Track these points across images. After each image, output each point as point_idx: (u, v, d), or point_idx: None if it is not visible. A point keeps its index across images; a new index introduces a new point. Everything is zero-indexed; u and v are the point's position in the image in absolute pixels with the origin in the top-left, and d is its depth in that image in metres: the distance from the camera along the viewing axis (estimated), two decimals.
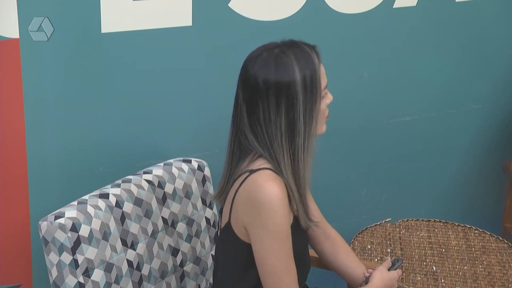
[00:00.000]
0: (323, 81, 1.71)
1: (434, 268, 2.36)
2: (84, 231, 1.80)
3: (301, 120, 1.67)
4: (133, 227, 1.93)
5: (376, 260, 2.39)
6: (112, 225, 1.88)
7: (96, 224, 1.83)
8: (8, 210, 2.04)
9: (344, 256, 1.98)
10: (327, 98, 1.75)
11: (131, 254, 1.91)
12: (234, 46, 2.24)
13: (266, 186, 1.66)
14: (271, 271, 1.68)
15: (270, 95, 1.66)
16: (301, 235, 1.81)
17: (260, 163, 1.71)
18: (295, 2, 2.36)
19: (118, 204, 1.91)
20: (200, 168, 2.15)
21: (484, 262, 2.40)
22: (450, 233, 2.57)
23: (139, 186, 1.98)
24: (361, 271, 1.94)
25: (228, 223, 1.75)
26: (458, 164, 3.04)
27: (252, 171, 1.70)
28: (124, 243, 1.90)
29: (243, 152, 1.74)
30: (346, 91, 2.58)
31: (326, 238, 1.99)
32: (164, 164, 2.10)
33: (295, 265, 1.72)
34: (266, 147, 1.70)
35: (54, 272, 1.78)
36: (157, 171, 2.06)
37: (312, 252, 2.03)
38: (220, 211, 1.82)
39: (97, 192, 1.91)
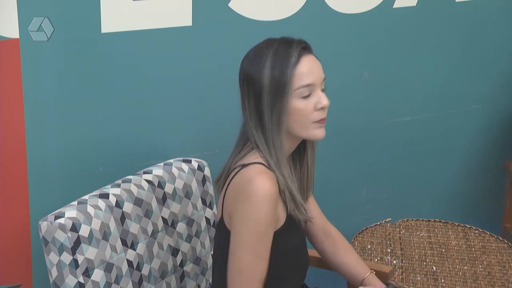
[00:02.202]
0: (299, 81, 1.68)
1: (434, 268, 2.36)
2: (84, 231, 1.80)
3: (268, 115, 1.69)
4: (133, 227, 1.93)
5: (376, 260, 2.39)
6: (112, 225, 1.88)
7: (96, 224, 1.83)
8: (8, 210, 2.04)
9: (344, 254, 1.98)
10: (319, 103, 1.70)
11: (131, 254, 1.91)
12: (234, 46, 2.23)
13: (255, 180, 1.65)
14: (237, 263, 1.67)
15: (244, 85, 1.72)
16: (296, 232, 1.80)
17: (253, 157, 1.71)
18: (295, 2, 2.36)
19: (118, 204, 1.91)
20: (200, 168, 2.15)
21: (484, 262, 2.40)
22: (450, 233, 2.57)
23: (139, 186, 1.98)
24: (362, 270, 1.94)
25: (221, 218, 1.76)
26: (458, 164, 3.04)
27: (244, 166, 1.70)
28: (124, 243, 1.90)
29: (245, 140, 1.76)
30: (346, 91, 2.58)
31: (326, 236, 1.99)
32: (164, 164, 2.10)
33: (266, 267, 1.69)
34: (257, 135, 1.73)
35: (54, 272, 1.78)
36: (157, 171, 2.06)
37: (311, 252, 2.03)
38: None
39: (97, 192, 1.91)
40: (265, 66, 1.68)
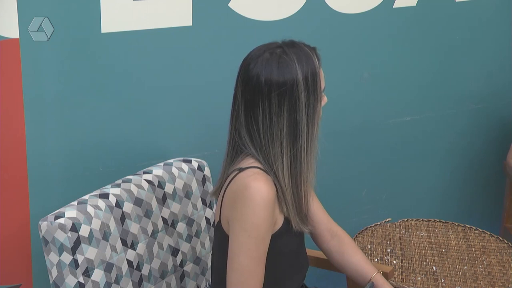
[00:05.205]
0: (323, 83, 1.71)
1: (434, 268, 2.36)
2: (84, 231, 1.80)
3: (304, 122, 1.66)
4: (133, 227, 1.93)
5: (376, 260, 2.39)
6: (112, 225, 1.88)
7: (96, 224, 1.83)
8: (8, 210, 2.04)
9: (351, 254, 1.95)
10: (323, 101, 1.73)
11: (131, 254, 1.91)
12: (234, 46, 2.24)
13: (252, 184, 1.64)
14: (238, 268, 1.66)
15: (273, 96, 1.65)
16: (294, 236, 1.78)
17: (250, 161, 1.70)
18: (295, 2, 2.36)
19: (118, 204, 1.91)
20: (200, 168, 2.15)
21: (484, 262, 2.40)
22: (450, 233, 2.57)
23: (139, 186, 1.98)
24: (370, 269, 1.92)
25: (219, 222, 1.75)
26: (458, 164, 3.04)
27: (241, 169, 1.69)
28: (124, 243, 1.90)
29: (238, 152, 1.74)
30: (346, 91, 2.58)
31: (332, 236, 1.97)
32: (164, 164, 2.10)
33: (264, 271, 1.69)
34: (260, 148, 1.68)
35: (54, 272, 1.78)
36: (157, 171, 2.06)
37: (311, 252, 2.03)
38: None
39: (97, 192, 1.91)
40: (297, 72, 1.64)
